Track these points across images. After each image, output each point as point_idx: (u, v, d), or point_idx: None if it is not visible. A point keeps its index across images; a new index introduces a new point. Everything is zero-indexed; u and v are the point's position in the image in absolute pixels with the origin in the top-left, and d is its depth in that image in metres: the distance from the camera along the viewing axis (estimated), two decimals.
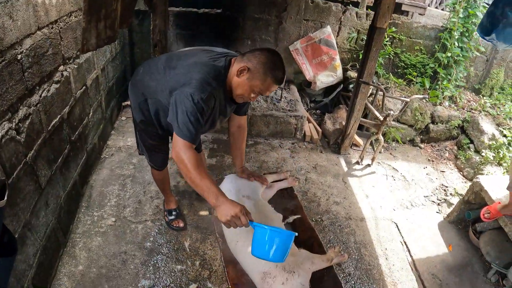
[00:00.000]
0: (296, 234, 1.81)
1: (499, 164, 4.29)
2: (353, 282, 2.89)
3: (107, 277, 2.63)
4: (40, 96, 2.38)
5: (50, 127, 2.54)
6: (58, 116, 2.69)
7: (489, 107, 5.19)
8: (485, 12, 2.49)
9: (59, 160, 2.73)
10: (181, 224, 3.06)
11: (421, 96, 4.04)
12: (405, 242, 3.39)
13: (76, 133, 3.10)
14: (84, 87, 3.26)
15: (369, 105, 4.20)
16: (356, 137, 4.60)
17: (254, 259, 2.02)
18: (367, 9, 5.17)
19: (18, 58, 2.07)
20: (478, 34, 2.50)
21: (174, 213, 3.11)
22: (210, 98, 1.98)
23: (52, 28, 2.53)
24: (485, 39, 2.44)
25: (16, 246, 1.39)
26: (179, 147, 1.88)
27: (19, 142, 2.09)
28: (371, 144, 4.70)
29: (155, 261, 2.79)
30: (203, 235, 3.05)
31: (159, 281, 2.65)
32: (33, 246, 2.27)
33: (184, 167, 1.86)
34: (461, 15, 4.82)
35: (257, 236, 1.79)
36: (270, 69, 1.95)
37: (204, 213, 3.26)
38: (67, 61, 2.86)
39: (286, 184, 2.85)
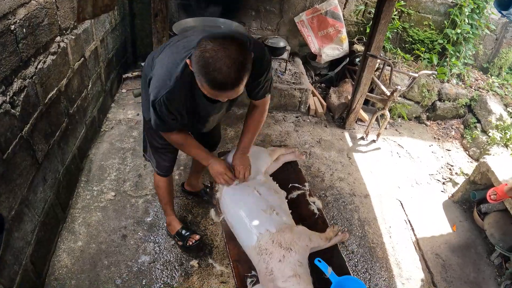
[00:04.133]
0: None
1: (506, 146, 4.22)
2: (356, 260, 2.88)
3: (106, 252, 2.60)
4: (36, 68, 2.29)
5: (46, 100, 2.46)
6: (55, 89, 2.61)
7: (497, 86, 5.07)
8: None
9: (57, 134, 2.66)
10: (197, 237, 2.68)
11: (430, 72, 3.92)
12: (409, 221, 3.37)
13: (75, 106, 3.02)
14: (82, 58, 3.16)
15: (376, 79, 4.09)
16: (361, 112, 4.52)
17: (249, 233, 1.98)
18: None
19: (12, 28, 1.97)
20: (495, 8, 2.36)
21: (183, 232, 2.69)
22: (164, 102, 1.75)
23: None
24: (502, 13, 2.31)
25: (3, 224, 1.34)
26: (165, 135, 2.09)
27: (14, 116, 2.02)
28: (377, 119, 4.61)
29: (155, 236, 2.77)
30: (204, 210, 3.02)
31: (159, 257, 2.63)
32: (31, 222, 2.23)
33: (176, 145, 2.18)
34: None
35: None
36: (203, 71, 1.48)
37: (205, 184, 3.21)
38: (64, 31, 2.76)
39: (293, 157, 2.76)
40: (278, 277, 1.85)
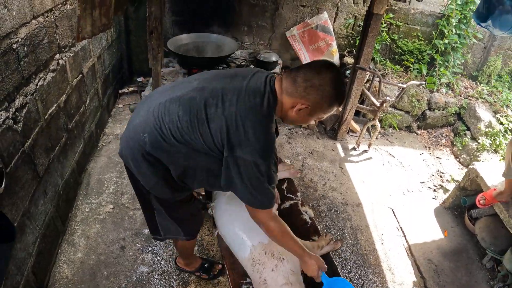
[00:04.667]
0: None
1: (496, 151, 4.31)
2: (349, 267, 2.93)
3: (106, 263, 2.66)
4: (37, 84, 2.39)
5: (47, 116, 2.55)
6: (55, 105, 2.70)
7: (486, 94, 5.18)
8: None
9: (57, 149, 2.74)
10: (220, 266, 2.67)
11: (418, 82, 4.04)
12: (401, 228, 3.42)
13: (73, 121, 3.10)
14: (80, 75, 3.26)
15: (366, 91, 4.20)
16: (352, 123, 4.61)
17: (242, 246, 2.06)
18: None
19: (14, 47, 2.07)
20: (474, 20, 2.48)
21: (206, 265, 2.65)
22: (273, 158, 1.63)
23: (47, 16, 2.53)
24: (481, 26, 2.43)
25: (15, 233, 1.41)
26: (264, 218, 1.75)
27: (16, 131, 2.10)
28: (368, 130, 4.70)
29: (153, 247, 2.83)
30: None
31: (157, 267, 2.68)
32: (32, 234, 2.29)
33: (274, 237, 1.83)
34: (459, 2, 4.77)
35: None
36: (337, 98, 1.63)
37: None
38: (63, 49, 2.86)
39: (288, 174, 2.85)
40: (271, 285, 1.93)
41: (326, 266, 1.92)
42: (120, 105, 4.57)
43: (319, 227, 2.56)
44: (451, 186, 4.02)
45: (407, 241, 3.30)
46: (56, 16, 2.67)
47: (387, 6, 5.06)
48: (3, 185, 1.26)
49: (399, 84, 3.97)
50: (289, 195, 2.66)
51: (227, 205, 2.25)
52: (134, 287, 2.54)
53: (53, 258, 2.62)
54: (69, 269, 2.60)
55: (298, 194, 2.70)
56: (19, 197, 2.14)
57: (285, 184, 2.75)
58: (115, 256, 2.73)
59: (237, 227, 2.12)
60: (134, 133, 1.71)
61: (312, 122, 4.50)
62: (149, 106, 1.72)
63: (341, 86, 1.63)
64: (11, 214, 2.03)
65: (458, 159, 4.63)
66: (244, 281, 2.11)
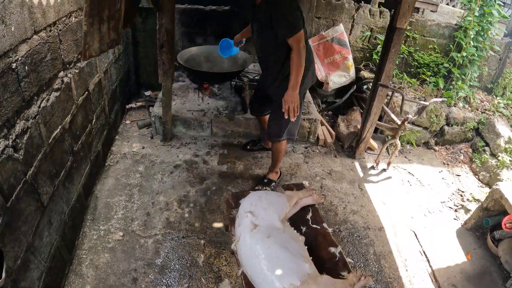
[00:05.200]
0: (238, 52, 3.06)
1: None
2: None
3: None
4: (39, 107, 2.19)
5: (50, 140, 2.36)
6: (59, 127, 2.51)
7: (502, 107, 5.02)
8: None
9: (62, 174, 2.55)
10: None
11: (440, 100, 3.87)
12: (424, 252, 3.28)
13: (79, 142, 2.91)
14: (86, 92, 3.07)
15: (386, 108, 4.01)
16: (371, 140, 4.43)
17: (271, 285, 1.87)
18: (378, 6, 4.97)
19: (13, 67, 1.88)
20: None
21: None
22: None
23: (50, 31, 2.34)
24: None
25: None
26: (299, 38, 2.61)
27: (17, 160, 1.92)
28: (386, 147, 4.53)
29: (167, 279, 2.64)
30: (217, 250, 2.89)
31: None
32: (37, 269, 2.11)
33: (303, 49, 2.62)
34: (476, 14, 4.65)
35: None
36: None
37: (218, 225, 3.09)
38: (68, 66, 2.66)
39: (311, 200, 2.66)
40: None
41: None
42: (128, 121, 4.38)
43: (347, 261, 2.37)
44: (472, 206, 3.89)
45: (430, 266, 3.16)
46: (60, 30, 2.48)
47: None
48: (2, 277, 1.09)
49: (421, 102, 3.80)
50: (314, 225, 2.46)
51: (252, 240, 2.05)
52: None
53: None
54: None
55: (324, 224, 2.50)
56: (22, 232, 1.95)
57: (310, 214, 2.55)
58: None
59: (265, 266, 1.93)
60: None
61: (329, 139, 4.34)
62: None
63: None
64: (13, 252, 1.85)
65: (477, 176, 4.47)
66: None
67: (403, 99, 3.67)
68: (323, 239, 2.39)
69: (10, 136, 1.86)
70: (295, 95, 2.75)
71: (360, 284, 2.17)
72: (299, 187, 2.79)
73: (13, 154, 1.88)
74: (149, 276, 2.64)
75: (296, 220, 2.47)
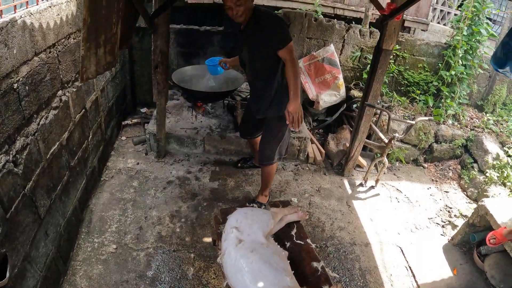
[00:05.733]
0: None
1: (503, 184, 4.24)
2: None
3: None
4: (38, 124, 2.33)
5: (48, 155, 2.49)
6: (57, 143, 2.64)
7: (492, 124, 5.14)
8: (499, 43, 2.42)
9: (58, 188, 2.67)
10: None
11: (426, 118, 3.98)
12: (410, 267, 3.33)
13: (76, 158, 3.03)
14: (83, 110, 3.20)
15: (374, 126, 4.14)
16: (359, 158, 4.54)
17: None
18: (369, 27, 5.13)
19: (15, 87, 2.02)
20: (491, 65, 2.43)
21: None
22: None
23: (50, 52, 2.48)
24: (499, 71, 2.38)
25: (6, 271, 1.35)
26: (291, 50, 2.70)
27: (16, 175, 2.04)
28: (375, 165, 4.63)
29: None
30: (206, 263, 2.98)
31: None
32: (33, 278, 2.21)
33: (296, 67, 2.72)
34: (465, 33, 4.78)
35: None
36: None
37: (207, 239, 3.18)
38: (66, 85, 2.80)
39: (296, 217, 2.76)
40: None
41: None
42: (124, 138, 4.51)
43: (331, 275, 2.45)
44: (459, 222, 3.95)
45: (416, 281, 3.20)
46: (59, 51, 2.62)
47: None
48: (6, 277, 1.19)
49: (408, 121, 3.91)
50: (298, 241, 2.56)
51: (237, 254, 2.15)
52: None
53: None
54: None
55: (308, 240, 2.59)
56: (20, 242, 2.06)
57: (294, 230, 2.65)
58: None
59: (248, 279, 2.02)
60: None
61: (319, 157, 4.43)
62: None
63: None
64: (11, 260, 1.96)
65: (465, 193, 4.55)
66: None
67: (389, 118, 3.79)
68: (306, 254, 2.48)
69: (11, 152, 1.99)
70: (297, 105, 2.78)
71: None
72: (285, 204, 2.89)
73: (13, 168, 2.00)
74: (140, 287, 2.73)
75: (281, 236, 2.56)
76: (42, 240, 2.36)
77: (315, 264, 2.42)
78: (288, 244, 2.52)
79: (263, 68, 2.91)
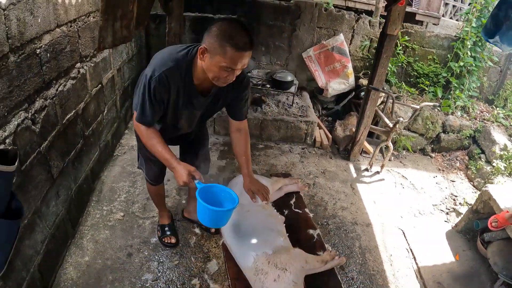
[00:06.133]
0: (236, 204, 1.91)
1: (510, 175, 4.25)
2: (355, 286, 2.88)
3: (111, 268, 2.70)
4: (57, 90, 2.49)
5: (64, 121, 2.65)
6: (73, 111, 2.80)
7: (502, 118, 5.14)
8: (489, 15, 2.49)
9: (72, 153, 2.82)
10: (173, 240, 2.93)
11: (431, 104, 4.03)
12: (411, 249, 3.37)
13: (90, 129, 3.19)
14: (99, 85, 3.37)
15: (379, 112, 4.21)
16: (366, 144, 4.61)
17: (246, 255, 2.07)
18: (381, 18, 5.20)
19: (37, 52, 2.18)
20: (483, 36, 2.50)
21: (166, 228, 2.98)
22: (163, 79, 1.91)
23: (71, 26, 2.65)
24: (489, 42, 2.44)
25: (22, 211, 1.49)
26: (135, 123, 2.07)
27: (34, 132, 2.19)
28: (381, 151, 4.69)
29: (159, 256, 2.85)
30: (208, 234, 3.09)
31: (162, 276, 2.70)
32: (41, 233, 2.35)
33: (141, 138, 2.10)
34: (474, 25, 4.80)
35: (199, 207, 1.92)
36: (226, 38, 1.74)
37: None
38: (84, 59, 2.97)
39: (295, 188, 2.86)
40: None
41: (199, 173, 2.01)
42: None
43: (327, 245, 2.54)
44: (464, 210, 3.94)
45: (416, 263, 3.24)
46: (79, 27, 2.80)
47: (403, 29, 5.11)
48: (16, 164, 1.34)
49: (412, 105, 3.97)
50: (296, 210, 2.66)
51: (234, 214, 2.27)
52: None
53: (60, 259, 2.67)
54: (75, 271, 2.64)
55: (306, 209, 2.69)
56: (32, 196, 2.20)
57: (293, 199, 2.75)
58: (121, 262, 2.76)
59: (242, 236, 2.14)
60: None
61: (326, 142, 4.52)
62: None
63: (233, 28, 1.77)
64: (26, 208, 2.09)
65: (472, 183, 4.57)
66: None
67: (393, 101, 3.86)
68: (303, 222, 2.59)
69: (30, 110, 2.15)
70: (254, 178, 2.45)
71: (333, 263, 2.34)
72: (286, 175, 2.99)
73: (31, 126, 2.16)
74: (143, 252, 2.86)
75: (280, 204, 2.67)
76: (53, 199, 2.51)
77: (311, 231, 2.53)
78: (286, 212, 2.63)
79: (206, 120, 2.63)
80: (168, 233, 2.96)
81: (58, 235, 2.60)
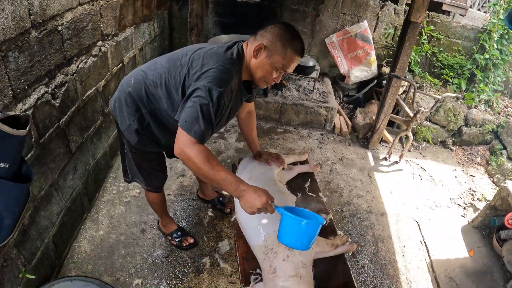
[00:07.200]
0: (324, 222, 1.74)
1: None
2: (366, 275, 2.89)
3: (124, 243, 2.76)
4: (78, 66, 2.53)
5: (85, 97, 2.70)
6: (94, 88, 2.85)
7: None
8: None
9: (91, 129, 2.89)
10: (191, 240, 2.82)
11: (454, 95, 3.93)
12: (424, 242, 3.34)
13: None
14: (121, 64, 3.40)
15: (401, 101, 4.14)
16: (386, 133, 4.55)
17: (257, 233, 2.07)
18: (406, 6, 5.08)
19: (59, 29, 2.22)
20: (506, 24, 2.40)
21: (179, 233, 2.82)
22: (228, 92, 1.76)
23: (93, 5, 2.68)
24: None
25: (32, 176, 1.54)
26: (184, 143, 1.63)
27: (53, 106, 2.24)
28: (400, 141, 4.63)
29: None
30: (221, 214, 3.14)
31: (173, 253, 2.75)
32: (57, 205, 2.42)
33: (193, 164, 1.63)
34: (501, 16, 4.64)
35: (284, 223, 1.67)
36: (288, 40, 1.78)
37: (225, 192, 3.32)
38: (106, 37, 3.01)
39: (307, 168, 2.85)
40: (280, 275, 1.92)
41: (269, 205, 1.68)
42: None
43: (339, 232, 2.52)
44: (481, 205, 3.89)
45: (429, 256, 3.21)
46: (101, 6, 2.82)
47: (429, 18, 4.99)
48: (27, 129, 1.39)
49: (434, 95, 3.90)
50: (310, 193, 2.66)
51: None
52: (148, 268, 2.61)
53: (75, 232, 2.75)
54: (89, 244, 2.72)
55: (320, 193, 2.68)
56: (49, 168, 2.27)
57: (308, 183, 2.74)
58: (134, 238, 2.82)
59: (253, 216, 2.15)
60: (125, 80, 2.08)
61: (345, 129, 4.48)
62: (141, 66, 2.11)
63: (293, 32, 1.83)
64: (39, 182, 2.16)
65: (492, 179, 4.48)
66: (254, 271, 2.12)
67: (414, 90, 3.78)
68: (316, 205, 2.57)
69: (50, 85, 2.20)
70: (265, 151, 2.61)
71: (343, 248, 2.31)
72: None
73: (51, 100, 2.21)
74: (157, 229, 2.92)
75: (294, 187, 2.65)
76: (70, 173, 2.57)
77: (323, 215, 2.51)
78: (299, 195, 2.62)
79: None
80: (183, 236, 2.82)
81: (74, 208, 2.67)
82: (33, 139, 2.05)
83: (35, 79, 2.03)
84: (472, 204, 3.96)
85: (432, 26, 5.02)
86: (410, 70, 5.05)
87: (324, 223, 1.73)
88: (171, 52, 2.09)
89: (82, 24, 2.53)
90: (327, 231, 2.43)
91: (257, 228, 2.12)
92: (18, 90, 1.88)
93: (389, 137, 4.62)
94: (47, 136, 2.20)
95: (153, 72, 1.97)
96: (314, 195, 2.66)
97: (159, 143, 2.17)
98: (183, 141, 1.63)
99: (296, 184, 2.69)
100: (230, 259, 2.77)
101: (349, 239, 2.40)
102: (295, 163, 2.89)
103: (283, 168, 2.66)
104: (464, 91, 4.97)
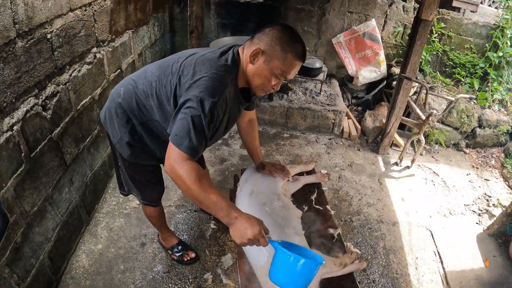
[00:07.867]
0: (324, 262, 1.56)
1: None
2: None
3: (124, 258, 2.66)
4: (70, 75, 2.42)
5: (79, 107, 2.59)
6: (89, 97, 2.74)
7: None
8: None
9: (88, 140, 2.78)
10: (193, 255, 2.69)
11: (468, 96, 3.78)
12: (438, 252, 3.19)
13: None
14: (118, 70, 3.28)
15: (412, 103, 3.98)
16: (396, 136, 4.39)
17: (259, 253, 1.95)
18: (415, 4, 4.92)
19: (48, 37, 2.11)
20: None
21: (180, 247, 2.69)
22: (223, 102, 1.60)
23: (85, 10, 2.56)
24: None
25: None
26: (174, 159, 1.48)
27: (44, 118, 2.13)
28: (412, 144, 4.47)
29: None
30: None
31: (173, 268, 2.64)
32: (53, 220, 2.32)
33: (183, 183, 1.46)
34: None
35: (277, 260, 1.50)
36: (288, 43, 1.62)
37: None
38: (101, 43, 2.89)
39: (314, 179, 2.72)
40: None
41: (262, 237, 1.49)
42: None
43: (350, 244, 2.39)
44: (497, 212, 3.73)
45: (443, 268, 3.06)
46: (95, 11, 2.71)
47: (439, 15, 4.83)
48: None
49: (447, 97, 3.74)
50: (317, 206, 2.52)
51: (250, 203, 2.17)
52: (148, 284, 2.50)
53: (73, 246, 2.65)
54: (87, 259, 2.62)
55: (328, 206, 2.54)
56: (43, 183, 2.17)
57: (315, 195, 2.61)
58: (134, 252, 2.72)
59: None
60: (115, 89, 1.97)
61: (354, 133, 4.34)
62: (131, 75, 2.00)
63: (293, 35, 1.67)
64: (32, 198, 2.06)
65: (507, 183, 4.30)
66: None
67: (427, 92, 3.63)
68: (323, 219, 2.44)
69: (40, 96, 2.09)
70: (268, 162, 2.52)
71: (352, 267, 2.18)
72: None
73: (42, 112, 2.10)
74: (157, 242, 2.81)
75: (300, 199, 2.53)
76: (66, 186, 2.47)
77: (331, 230, 2.38)
78: (305, 209, 2.49)
79: None
80: (184, 250, 2.68)
81: (71, 222, 2.57)
82: (23, 154, 1.94)
83: (23, 91, 1.92)
84: (487, 210, 3.80)
85: (442, 23, 4.86)
86: (420, 70, 4.89)
87: (323, 264, 1.53)
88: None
89: (74, 30, 2.42)
90: (335, 248, 2.30)
91: (258, 249, 1.99)
92: (5, 104, 1.78)
93: (400, 141, 4.45)
94: (39, 150, 2.10)
95: (143, 81, 1.82)
96: (321, 208, 2.52)
97: (154, 155, 2.03)
98: (173, 157, 1.48)
99: (302, 196, 2.56)
100: (233, 274, 2.65)
101: (359, 253, 2.25)
102: (301, 173, 2.75)
103: (288, 180, 2.52)
104: (477, 90, 4.79)
